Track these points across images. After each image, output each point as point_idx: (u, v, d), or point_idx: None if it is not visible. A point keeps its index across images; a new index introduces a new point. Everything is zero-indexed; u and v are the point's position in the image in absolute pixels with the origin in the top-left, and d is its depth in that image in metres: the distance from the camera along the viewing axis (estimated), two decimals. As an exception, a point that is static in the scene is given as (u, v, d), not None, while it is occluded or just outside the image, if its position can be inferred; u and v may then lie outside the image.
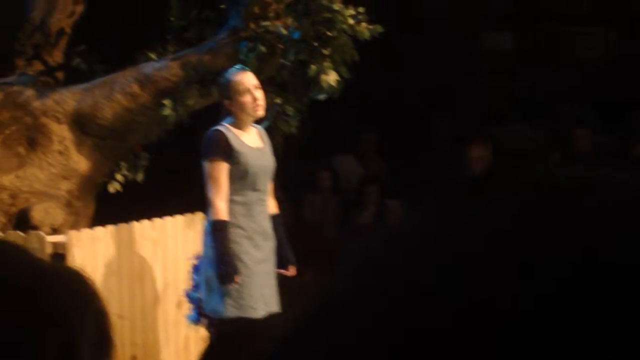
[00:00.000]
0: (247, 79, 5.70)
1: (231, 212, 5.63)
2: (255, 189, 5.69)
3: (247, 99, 5.66)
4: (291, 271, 5.95)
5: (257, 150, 5.74)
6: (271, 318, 5.63)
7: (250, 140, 5.75)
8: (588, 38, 11.74)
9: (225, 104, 5.73)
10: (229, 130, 5.69)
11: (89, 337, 1.27)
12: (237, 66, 5.85)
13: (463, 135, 9.84)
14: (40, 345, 1.23)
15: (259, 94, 5.69)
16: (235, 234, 5.63)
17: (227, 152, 5.61)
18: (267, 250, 5.74)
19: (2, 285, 1.25)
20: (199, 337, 6.72)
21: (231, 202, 5.64)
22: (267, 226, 5.77)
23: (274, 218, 5.88)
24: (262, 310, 5.65)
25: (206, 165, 5.63)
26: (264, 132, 5.89)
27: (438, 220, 0.63)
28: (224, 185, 5.60)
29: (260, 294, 5.66)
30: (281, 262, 5.88)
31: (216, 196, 5.58)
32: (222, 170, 5.60)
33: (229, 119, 5.72)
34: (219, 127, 5.68)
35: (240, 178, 5.65)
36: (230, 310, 5.60)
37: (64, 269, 1.31)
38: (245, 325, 2.27)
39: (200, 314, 6.01)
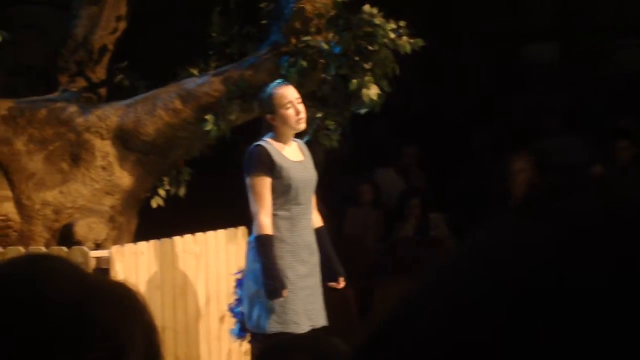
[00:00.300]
0: (289, 93, 5.72)
1: (275, 227, 5.63)
2: (298, 203, 5.69)
3: (289, 112, 5.68)
4: (342, 283, 5.93)
5: (298, 164, 5.75)
6: (318, 332, 5.63)
7: (292, 154, 5.77)
8: (632, 50, 11.66)
9: (267, 119, 5.75)
10: (271, 145, 5.70)
11: (139, 351, 1.28)
12: (279, 81, 5.87)
13: (505, 148, 9.81)
14: (89, 357, 1.24)
15: (301, 108, 5.71)
16: (279, 248, 5.63)
17: (270, 166, 5.62)
18: (312, 265, 5.74)
19: (53, 301, 1.26)
20: (242, 351, 6.73)
21: (275, 216, 5.64)
22: (312, 240, 5.77)
23: (320, 231, 5.88)
24: (306, 325, 5.65)
25: (249, 180, 5.64)
26: (304, 146, 5.90)
27: (505, 243, 0.62)
28: (267, 200, 5.60)
29: (304, 309, 5.65)
30: (330, 275, 5.87)
31: (260, 211, 5.58)
32: (265, 185, 5.61)
33: (270, 134, 5.74)
34: (261, 142, 5.69)
35: (284, 192, 5.66)
36: (273, 326, 5.60)
37: (114, 284, 1.32)
38: (290, 340, 2.28)
39: (244, 329, 6.01)
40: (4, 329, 1.24)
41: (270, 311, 5.60)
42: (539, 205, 0.62)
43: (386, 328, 0.62)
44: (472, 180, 10.05)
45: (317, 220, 5.91)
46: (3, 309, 1.26)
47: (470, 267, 0.61)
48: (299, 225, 5.69)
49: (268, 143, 5.70)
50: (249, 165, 5.65)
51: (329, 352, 2.26)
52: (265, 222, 5.57)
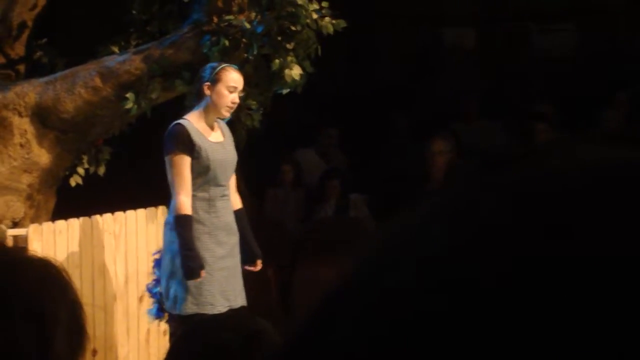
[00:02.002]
0: (238, 79, 5.70)
1: (193, 208, 5.62)
2: (217, 184, 5.68)
3: (227, 93, 5.65)
4: (258, 265, 5.95)
5: (218, 144, 5.73)
6: (237, 311, 5.64)
7: (212, 134, 5.75)
8: (549, 35, 11.82)
9: (203, 87, 5.68)
10: (191, 124, 5.67)
11: (64, 327, 1.28)
12: (234, 65, 5.82)
13: (424, 130, 9.89)
14: (16, 335, 1.23)
15: (237, 99, 5.71)
16: (196, 229, 5.61)
17: (189, 146, 5.60)
18: (230, 246, 5.73)
19: None
20: (160, 331, 6.72)
21: (193, 197, 5.63)
22: (231, 221, 5.76)
23: (238, 213, 5.88)
24: (222, 306, 5.64)
25: (168, 159, 5.61)
26: (225, 126, 5.89)
27: (449, 213, 0.62)
28: (187, 179, 5.58)
29: (220, 290, 5.65)
30: (247, 257, 5.88)
31: (179, 190, 5.56)
32: (184, 165, 5.59)
33: (194, 110, 5.71)
34: (181, 121, 5.66)
35: (202, 173, 5.64)
36: (189, 307, 5.60)
37: (37, 260, 1.31)
38: (215, 319, 2.28)
39: (161, 309, 6.00)
40: None
41: (186, 292, 5.60)
42: (486, 175, 0.63)
43: (323, 310, 0.62)
44: (392, 161, 10.12)
45: (236, 202, 5.90)
46: None
47: (411, 238, 0.62)
48: (216, 206, 5.68)
49: (188, 122, 5.67)
50: (168, 144, 5.62)
51: (255, 331, 2.27)
52: (184, 201, 5.55)
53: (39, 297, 1.26)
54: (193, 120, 5.68)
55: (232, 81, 5.66)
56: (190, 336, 2.26)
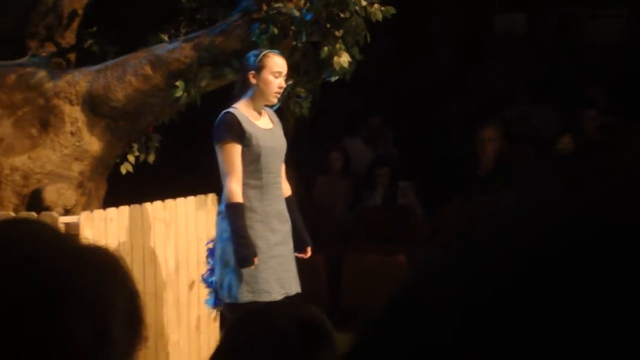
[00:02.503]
0: (284, 66, 5.71)
1: (245, 196, 5.61)
2: (268, 172, 5.68)
3: (274, 80, 5.66)
4: (308, 253, 5.96)
5: (268, 131, 5.73)
6: (291, 299, 5.65)
7: (261, 122, 5.75)
8: (600, 20, 11.70)
9: (248, 76, 5.69)
10: (240, 112, 5.67)
11: (121, 316, 1.28)
12: (276, 51, 5.83)
13: (474, 117, 9.84)
14: (72, 323, 1.24)
15: (284, 84, 5.71)
16: (249, 217, 5.61)
17: (239, 134, 5.60)
18: (283, 233, 5.73)
19: (35, 265, 1.26)
20: (210, 318, 6.74)
21: (245, 185, 5.63)
22: (283, 209, 5.76)
23: (289, 200, 5.88)
24: (278, 293, 5.65)
25: (218, 147, 5.61)
26: (273, 114, 5.88)
27: (523, 203, 0.62)
28: (238, 167, 5.59)
29: (276, 277, 5.66)
30: (298, 244, 5.88)
31: (230, 179, 5.56)
32: (235, 152, 5.59)
33: (242, 99, 5.71)
34: (230, 110, 5.66)
35: (253, 161, 5.64)
36: (245, 295, 5.60)
37: (96, 249, 1.31)
38: (269, 306, 2.29)
39: (218, 298, 6.00)
40: None
41: (241, 280, 5.60)
42: (559, 166, 0.62)
43: (403, 293, 0.62)
44: (441, 148, 10.08)
45: (286, 189, 5.91)
46: None
47: (487, 230, 0.61)
48: (269, 194, 5.68)
49: (237, 110, 5.67)
50: (218, 132, 5.62)
51: (309, 318, 2.27)
52: (235, 189, 5.55)
53: (97, 286, 1.27)
54: (242, 109, 5.68)
55: (276, 66, 5.66)
56: (245, 322, 2.27)
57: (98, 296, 1.27)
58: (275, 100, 5.71)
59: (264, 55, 5.68)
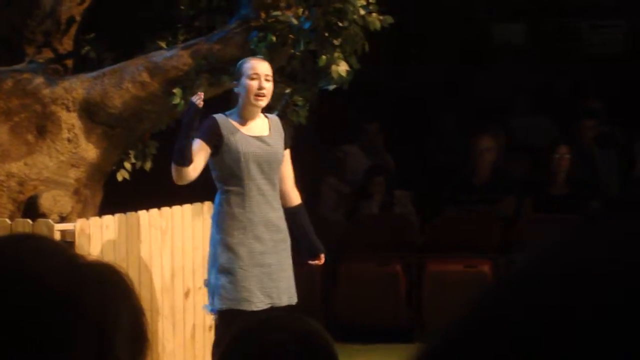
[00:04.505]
0: (260, 66, 5.68)
1: (227, 202, 5.62)
2: (251, 179, 5.64)
3: (252, 82, 5.63)
4: (321, 260, 5.92)
5: (255, 138, 5.68)
6: (284, 310, 5.61)
7: (253, 128, 5.72)
8: (601, 31, 11.71)
9: (232, 85, 5.74)
10: (226, 118, 5.68)
11: (125, 332, 1.27)
12: (258, 56, 5.84)
13: (471, 126, 9.84)
14: (76, 340, 1.22)
15: (268, 85, 5.66)
16: (230, 225, 5.60)
17: (212, 137, 5.60)
18: (272, 242, 5.67)
19: (37, 281, 1.25)
20: (205, 326, 6.72)
21: (227, 192, 5.63)
22: (273, 217, 5.69)
23: (295, 209, 5.85)
24: (262, 303, 5.60)
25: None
26: (276, 122, 5.84)
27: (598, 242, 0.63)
28: (194, 156, 5.57)
29: (260, 286, 5.61)
30: (310, 252, 5.86)
31: None
32: (200, 150, 5.59)
33: (235, 107, 5.72)
34: (217, 114, 5.69)
35: (233, 166, 5.62)
36: (223, 302, 5.59)
37: (101, 265, 1.30)
38: (267, 319, 2.27)
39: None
40: None
41: (220, 287, 5.60)
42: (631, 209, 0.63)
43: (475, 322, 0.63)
44: (437, 158, 10.08)
45: (294, 198, 5.88)
46: None
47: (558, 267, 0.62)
48: (252, 201, 5.63)
49: (222, 115, 5.69)
50: (198, 132, 5.64)
51: (308, 331, 2.25)
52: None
53: (101, 303, 1.25)
54: (231, 115, 5.70)
55: (251, 69, 5.64)
56: (245, 336, 2.25)
57: (102, 313, 1.25)
58: (259, 103, 5.66)
59: (242, 63, 5.70)
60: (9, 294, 1.23)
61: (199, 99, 5.54)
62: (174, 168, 5.58)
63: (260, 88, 5.62)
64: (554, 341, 0.59)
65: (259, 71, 5.63)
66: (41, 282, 1.24)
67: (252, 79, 5.62)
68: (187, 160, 5.52)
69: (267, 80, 5.65)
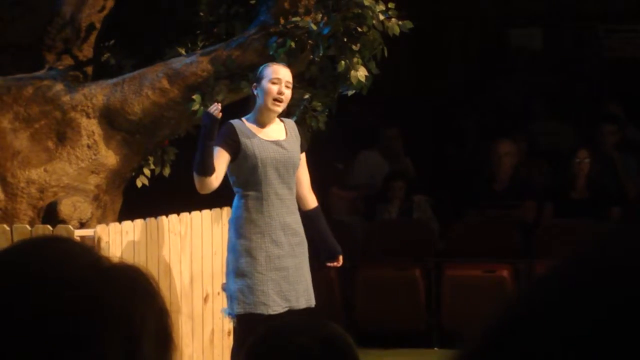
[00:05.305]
0: (282, 71, 5.69)
1: (245, 207, 5.64)
2: (269, 183, 5.65)
3: (272, 86, 5.64)
4: (339, 261, 5.93)
5: (271, 142, 5.69)
6: (302, 312, 5.63)
7: (270, 133, 5.73)
8: (618, 35, 11.68)
9: (252, 88, 5.73)
10: (243, 123, 5.69)
11: (151, 335, 1.27)
12: (281, 62, 5.84)
13: (491, 131, 9.82)
14: (103, 343, 1.23)
15: (287, 92, 5.67)
16: (247, 229, 5.62)
17: (231, 143, 5.62)
18: (290, 246, 5.69)
19: (66, 284, 1.25)
20: (224, 331, 6.73)
21: (245, 197, 5.65)
22: (291, 221, 5.71)
23: (312, 212, 5.86)
24: (280, 307, 5.62)
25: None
26: (292, 126, 5.86)
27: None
28: (217, 168, 5.60)
29: (277, 290, 5.62)
30: (329, 254, 5.87)
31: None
32: (219, 157, 5.61)
33: (253, 111, 5.73)
34: (232, 120, 5.70)
35: (251, 171, 5.63)
36: (241, 306, 5.60)
37: (128, 268, 1.30)
38: (288, 323, 2.26)
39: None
40: (17, 314, 1.23)
41: (238, 291, 5.62)
42: None
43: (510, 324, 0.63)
44: (457, 163, 10.06)
45: (311, 201, 5.89)
46: (16, 293, 1.24)
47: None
48: (270, 206, 5.64)
49: (239, 121, 5.70)
50: (216, 139, 5.66)
51: (332, 336, 2.25)
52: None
53: (129, 306, 1.25)
54: (247, 120, 5.71)
55: (274, 73, 5.65)
56: (267, 340, 2.25)
57: (129, 315, 1.25)
58: (275, 108, 5.67)
59: (264, 66, 5.71)
60: (34, 297, 1.23)
61: (216, 109, 5.55)
62: (196, 178, 5.60)
63: (280, 93, 5.63)
64: (608, 338, 0.59)
65: (281, 76, 5.64)
66: (67, 285, 1.24)
67: (274, 83, 5.63)
68: (209, 170, 5.55)
69: (287, 86, 5.66)
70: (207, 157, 5.54)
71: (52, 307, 1.22)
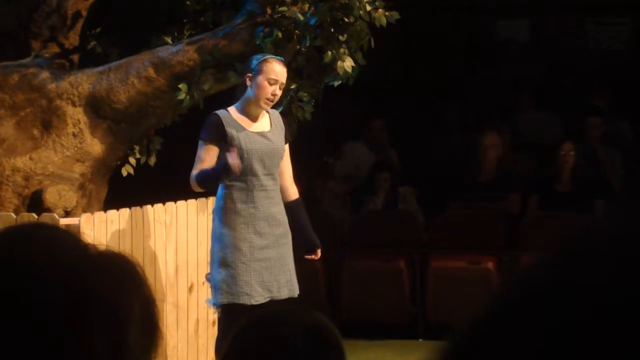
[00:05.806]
0: (280, 71, 5.69)
1: (230, 198, 5.65)
2: (254, 174, 5.67)
3: (267, 86, 5.64)
4: (318, 254, 5.96)
5: (257, 134, 5.71)
6: (286, 303, 5.65)
7: (254, 124, 5.74)
8: (605, 27, 11.70)
9: (246, 78, 5.71)
10: (229, 114, 5.70)
11: (137, 322, 1.27)
12: (280, 58, 5.83)
13: (476, 123, 9.83)
14: (91, 330, 1.23)
15: (279, 93, 5.69)
16: (232, 219, 5.64)
17: (218, 136, 5.63)
18: (273, 237, 5.72)
19: (51, 270, 1.25)
20: (209, 321, 6.73)
21: (231, 187, 5.66)
22: (275, 212, 5.73)
23: (294, 203, 5.88)
24: (262, 297, 5.65)
25: (199, 145, 5.68)
26: (277, 117, 5.87)
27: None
28: (205, 162, 5.65)
29: (260, 280, 5.65)
30: (307, 246, 5.89)
31: (193, 170, 5.68)
32: (206, 151, 5.66)
33: (240, 100, 5.73)
34: (218, 111, 5.71)
35: None
36: (224, 296, 5.63)
37: (114, 255, 1.30)
38: (272, 313, 2.26)
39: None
40: (3, 301, 1.23)
41: (221, 281, 5.65)
42: None
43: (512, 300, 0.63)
44: (442, 154, 10.07)
45: (292, 193, 5.91)
46: (1, 280, 1.24)
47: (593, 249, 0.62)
48: (255, 196, 5.67)
49: (226, 112, 5.70)
50: (201, 131, 5.71)
51: (316, 326, 2.25)
52: (193, 173, 5.67)
53: (115, 294, 1.25)
54: (232, 111, 5.71)
55: (272, 73, 5.65)
56: (251, 330, 2.25)
57: (115, 303, 1.25)
58: (265, 107, 5.70)
59: (263, 60, 5.69)
60: (20, 286, 1.23)
61: (235, 165, 5.52)
62: (194, 184, 5.70)
63: (274, 94, 5.65)
64: (606, 323, 0.59)
65: (278, 77, 5.66)
66: (53, 272, 1.24)
67: (270, 83, 5.64)
68: (209, 189, 5.72)
69: (280, 88, 5.69)
70: (211, 183, 5.67)
71: (39, 294, 1.22)
